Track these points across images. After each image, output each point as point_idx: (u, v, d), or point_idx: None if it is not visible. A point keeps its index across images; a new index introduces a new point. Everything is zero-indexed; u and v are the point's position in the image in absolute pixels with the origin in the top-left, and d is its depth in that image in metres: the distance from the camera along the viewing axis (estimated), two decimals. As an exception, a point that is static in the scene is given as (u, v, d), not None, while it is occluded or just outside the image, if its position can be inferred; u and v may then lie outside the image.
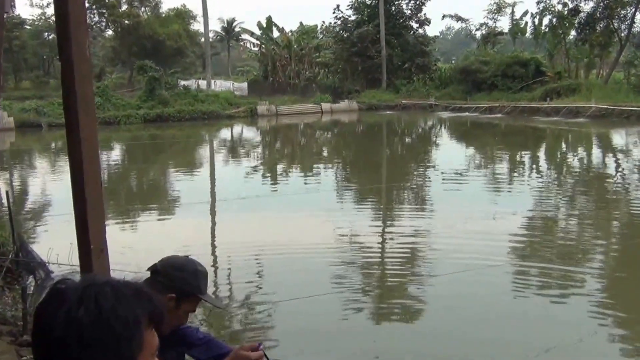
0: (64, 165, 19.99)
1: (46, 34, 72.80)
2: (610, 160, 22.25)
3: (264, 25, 58.61)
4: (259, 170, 21.56)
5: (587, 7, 44.60)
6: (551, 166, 21.37)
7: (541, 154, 25.41)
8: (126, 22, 65.33)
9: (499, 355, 6.46)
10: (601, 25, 44.44)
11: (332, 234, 11.38)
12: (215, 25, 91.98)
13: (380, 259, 10.07)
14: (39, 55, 74.46)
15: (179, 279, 2.53)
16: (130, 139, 33.79)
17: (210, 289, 8.22)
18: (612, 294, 8.30)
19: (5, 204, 10.75)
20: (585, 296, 7.97)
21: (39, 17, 73.77)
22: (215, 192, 17.56)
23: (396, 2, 54.78)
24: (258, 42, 60.43)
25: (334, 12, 55.45)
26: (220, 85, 60.07)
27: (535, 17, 52.63)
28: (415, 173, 20.19)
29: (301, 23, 60.91)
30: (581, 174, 19.21)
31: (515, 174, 19.17)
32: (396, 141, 32.33)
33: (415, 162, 23.11)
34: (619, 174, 19.05)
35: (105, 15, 67.32)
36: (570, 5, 45.28)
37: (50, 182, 18.82)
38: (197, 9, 68.98)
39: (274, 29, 59.22)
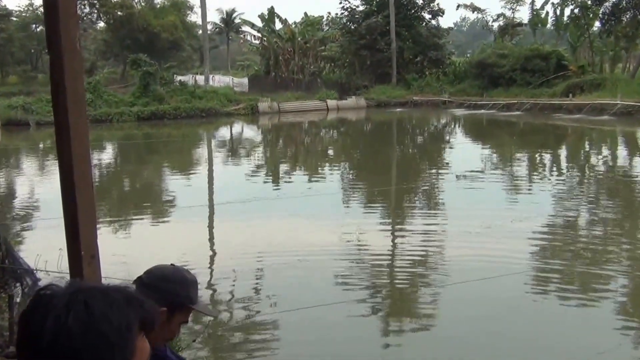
0: (53, 166, 20.05)
1: (34, 25, 72.95)
2: (637, 162, 22.18)
3: (266, 17, 58.67)
4: (261, 172, 21.58)
5: (612, -4, 44.56)
6: (573, 168, 21.32)
7: (562, 154, 25.34)
8: (119, 13, 65.37)
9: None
10: (627, 16, 44.28)
11: (339, 238, 11.38)
12: (213, 17, 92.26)
13: (390, 265, 10.07)
14: (27, 49, 74.55)
15: (167, 291, 2.51)
16: (123, 138, 33.86)
17: (209, 298, 8.26)
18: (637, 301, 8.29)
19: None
20: (612, 302, 7.95)
21: (26, 8, 74.03)
22: (214, 195, 17.57)
23: (407, -8, 54.74)
24: (259, 35, 60.45)
25: (340, 2, 55.43)
26: (219, 80, 60.12)
27: (557, 7, 52.52)
28: (427, 175, 20.16)
29: (305, 14, 60.97)
30: (605, 176, 19.14)
31: (535, 176, 19.13)
32: (407, 141, 32.31)
33: (427, 163, 23.09)
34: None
35: (97, 6, 67.36)
36: (594, -5, 45.24)
37: (38, 184, 18.86)
38: (194, -1, 69.27)
39: (277, 20, 59.28)
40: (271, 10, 58.38)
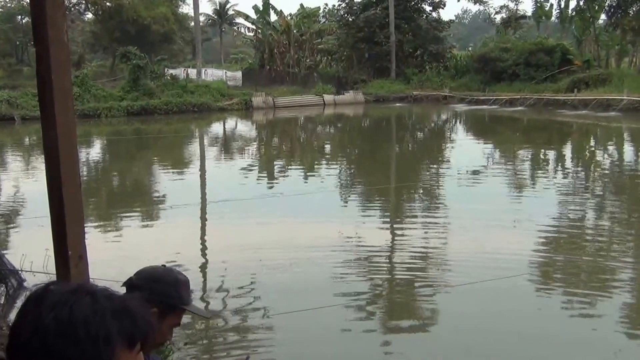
0: (40, 162, 20.02)
1: (20, 17, 72.80)
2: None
3: (260, 8, 58.63)
4: (255, 169, 21.57)
5: (618, -12, 44.62)
6: (578, 166, 21.36)
7: (567, 151, 25.37)
8: (108, 4, 65.21)
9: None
10: (634, 9, 44.33)
11: (336, 239, 11.37)
12: (206, 8, 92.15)
13: (388, 267, 10.06)
14: (12, 41, 74.35)
15: (159, 292, 2.51)
16: (112, 134, 33.83)
17: (202, 299, 8.26)
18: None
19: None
20: (616, 310, 7.96)
21: (11, -1, 73.89)
22: (206, 193, 17.55)
23: (407, -17, 54.73)
24: (254, 27, 60.47)
25: (338, -6, 55.45)
26: (211, 74, 60.14)
27: (562, -1, 52.60)
28: (427, 173, 20.19)
29: (302, 5, 60.89)
30: (612, 174, 19.17)
31: (539, 174, 19.14)
32: (406, 137, 32.31)
33: (427, 160, 23.10)
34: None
35: (85, -3, 67.33)
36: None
37: (24, 182, 18.82)
38: (186, -10, 69.14)
39: (272, 12, 59.23)
40: (266, 2, 58.36)
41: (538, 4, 57.10)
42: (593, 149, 26.16)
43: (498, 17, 60.50)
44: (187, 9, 71.61)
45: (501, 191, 16.09)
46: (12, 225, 13.11)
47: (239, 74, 60.13)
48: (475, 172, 18.69)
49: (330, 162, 23.05)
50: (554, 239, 11.45)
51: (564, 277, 9.30)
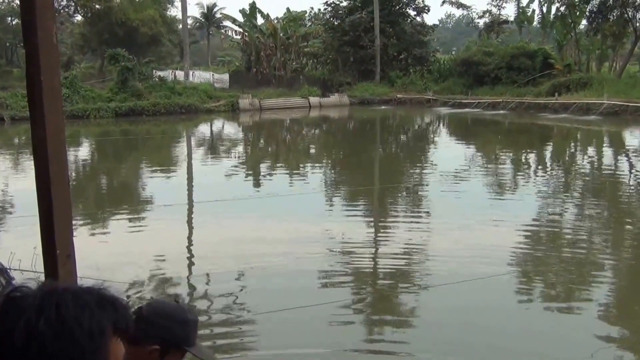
0: (29, 162, 19.92)
1: (9, 18, 72.27)
2: (623, 163, 22.35)
3: (248, 12, 58.54)
4: (241, 171, 21.54)
5: (599, -6, 44.86)
6: (559, 168, 21.45)
7: (548, 154, 25.49)
8: (97, 6, 64.85)
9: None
10: (614, 14, 44.62)
11: (320, 240, 11.37)
12: (194, 11, 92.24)
13: (372, 267, 10.08)
14: (2, 42, 73.93)
15: (164, 328, 2.42)
16: (100, 135, 33.68)
17: (187, 300, 8.23)
18: (621, 306, 8.36)
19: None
20: (594, 308, 8.02)
21: (1, 1, 73.41)
22: (193, 194, 17.52)
23: (392, -12, 54.84)
24: (241, 30, 60.31)
25: (324, -2, 55.50)
26: (199, 76, 59.91)
27: (544, 4, 53.02)
28: (410, 174, 20.22)
29: (288, 9, 60.90)
30: (592, 177, 19.30)
31: (520, 177, 19.24)
32: (390, 139, 32.37)
33: (411, 162, 23.15)
34: (632, 177, 19.14)
35: (74, -1, 66.98)
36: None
37: (12, 181, 18.71)
38: (174, -7, 68.95)
39: (258, 15, 59.19)
40: (253, 5, 58.28)
41: (520, 9, 57.45)
42: (573, 151, 26.31)
43: (481, 22, 60.83)
44: (175, 11, 71.84)
45: (483, 191, 16.19)
46: (0, 223, 13.04)
47: (226, 76, 59.97)
48: (457, 173, 18.75)
49: (315, 164, 23.05)
50: (535, 237, 11.52)
51: (545, 274, 9.36)
